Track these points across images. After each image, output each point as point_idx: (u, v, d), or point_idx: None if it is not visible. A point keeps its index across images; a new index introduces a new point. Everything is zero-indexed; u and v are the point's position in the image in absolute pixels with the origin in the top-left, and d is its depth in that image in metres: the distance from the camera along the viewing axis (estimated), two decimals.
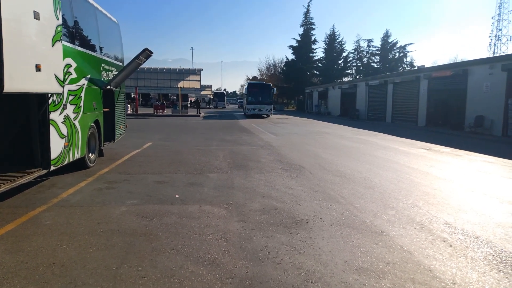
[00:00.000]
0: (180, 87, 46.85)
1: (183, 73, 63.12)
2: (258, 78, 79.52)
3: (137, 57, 9.14)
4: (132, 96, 50.02)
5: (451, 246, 4.44)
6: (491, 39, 74.82)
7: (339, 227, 5.03)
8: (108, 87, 9.70)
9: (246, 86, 40.09)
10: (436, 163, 10.59)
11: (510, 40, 75.03)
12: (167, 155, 10.97)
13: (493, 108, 19.89)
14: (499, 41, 73.99)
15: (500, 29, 73.99)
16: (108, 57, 10.21)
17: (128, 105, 36.63)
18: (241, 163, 9.84)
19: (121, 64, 11.43)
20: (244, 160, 10.40)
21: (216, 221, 5.17)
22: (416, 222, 5.32)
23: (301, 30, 63.72)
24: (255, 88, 37.17)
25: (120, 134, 11.26)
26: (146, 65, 55.76)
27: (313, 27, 63.45)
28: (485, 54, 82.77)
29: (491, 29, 75.30)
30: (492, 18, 75.94)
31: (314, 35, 63.95)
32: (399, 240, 4.59)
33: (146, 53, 9.16)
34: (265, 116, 36.66)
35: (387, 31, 63.02)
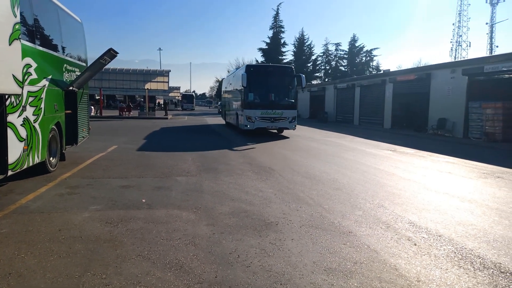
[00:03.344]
0: (147, 88, 45.87)
1: (150, 74, 61.99)
2: None
3: (101, 57, 8.86)
4: (97, 97, 48.55)
5: (415, 244, 4.56)
6: (452, 45, 78.18)
7: (308, 229, 5.06)
8: (71, 88, 9.35)
9: (242, 73, 18.21)
10: (401, 164, 10.90)
11: (470, 46, 78.75)
12: (133, 159, 10.70)
13: (455, 111, 20.76)
14: (460, 46, 77.48)
15: (460, 35, 77.52)
16: (70, 57, 9.85)
17: (92, 107, 35.52)
18: (210, 166, 9.74)
19: (84, 64, 11.06)
20: (213, 163, 10.29)
21: (184, 226, 5.06)
22: (382, 222, 5.43)
23: (270, 33, 63.83)
24: (262, 74, 18.78)
25: (83, 137, 10.87)
26: (111, 65, 54.22)
27: (283, 30, 63.93)
28: (447, 58, 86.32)
29: (452, 35, 78.45)
30: (453, 24, 79.46)
31: (283, 38, 64.44)
32: (366, 240, 4.66)
33: (110, 53, 8.89)
34: (274, 129, 19.45)
35: (354, 36, 64.41)
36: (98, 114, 35.63)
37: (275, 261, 4.00)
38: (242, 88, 18.03)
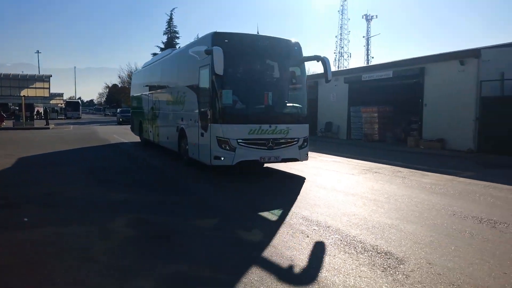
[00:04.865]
0: (24, 95, 40.69)
1: (27, 80, 55.19)
2: (119, 86, 74.57)
3: None
4: None
5: (308, 236, 4.97)
6: (336, 55, 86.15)
7: (210, 233, 5.13)
8: None
9: (208, 48, 8.44)
10: (294, 165, 11.65)
11: (350, 56, 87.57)
12: (11, 175, 9.53)
13: (339, 115, 22.98)
14: (342, 57, 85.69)
15: (342, 47, 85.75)
16: None
17: None
18: (104, 177, 9.19)
19: None
20: (108, 173, 9.72)
21: (78, 242, 4.70)
22: (280, 219, 5.78)
23: (164, 38, 62.53)
24: (247, 52, 9.19)
25: None
26: None
27: (177, 35, 62.99)
28: (331, 68, 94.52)
29: (335, 46, 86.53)
30: (336, 37, 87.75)
31: (178, 43, 63.50)
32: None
33: None
34: (271, 163, 9.72)
35: None
36: None
37: (176, 267, 3.99)
38: (207, 80, 8.90)
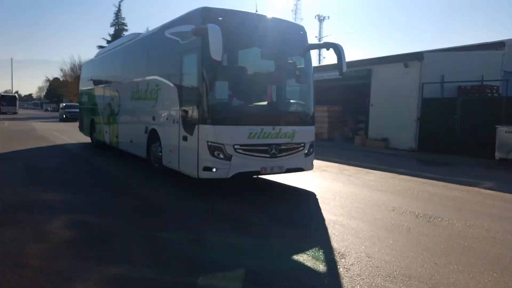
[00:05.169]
0: None
1: None
2: (61, 79, 70.48)
3: None
4: None
5: (255, 233, 5.01)
6: None
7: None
8: None
9: (195, 27, 6.68)
10: None
11: None
12: None
13: None
14: None
15: None
16: None
17: None
18: (42, 178, 8.66)
19: None
20: (47, 173, 9.18)
21: (9, 246, 4.37)
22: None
23: (112, 30, 59.85)
24: (245, 36, 7.36)
25: None
26: None
27: (126, 28, 60.58)
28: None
29: None
30: None
31: None
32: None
33: None
34: (271, 174, 7.76)
35: None
36: None
37: (118, 269, 3.86)
38: (194, 68, 7.06)
